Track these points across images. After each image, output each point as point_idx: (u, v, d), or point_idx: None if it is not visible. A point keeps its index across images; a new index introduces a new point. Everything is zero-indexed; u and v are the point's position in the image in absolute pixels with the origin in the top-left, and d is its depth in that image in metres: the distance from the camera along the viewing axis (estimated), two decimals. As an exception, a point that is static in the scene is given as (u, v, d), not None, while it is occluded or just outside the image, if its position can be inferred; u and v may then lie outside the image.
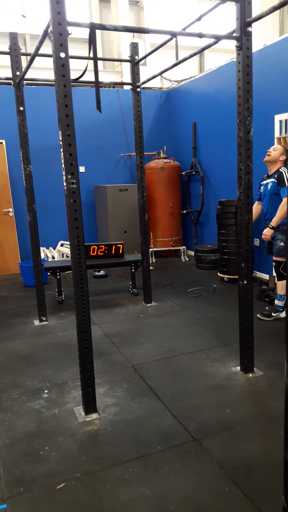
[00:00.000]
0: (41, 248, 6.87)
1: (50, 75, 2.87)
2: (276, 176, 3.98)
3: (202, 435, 2.40)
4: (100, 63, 7.98)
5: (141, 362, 3.36)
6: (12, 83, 3.92)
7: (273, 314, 4.10)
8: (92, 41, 2.35)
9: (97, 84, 2.37)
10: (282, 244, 3.93)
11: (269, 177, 4.08)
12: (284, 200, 3.86)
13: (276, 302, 4.12)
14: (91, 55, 2.38)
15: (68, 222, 2.44)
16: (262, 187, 4.16)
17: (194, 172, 6.83)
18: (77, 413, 2.69)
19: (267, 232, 4.00)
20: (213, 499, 1.94)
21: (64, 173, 2.36)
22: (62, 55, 2.25)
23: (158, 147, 7.25)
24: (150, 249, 6.94)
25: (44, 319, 4.42)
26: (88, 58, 2.41)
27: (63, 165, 2.36)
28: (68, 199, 2.39)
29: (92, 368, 2.63)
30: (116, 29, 2.43)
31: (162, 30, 2.70)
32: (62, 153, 2.35)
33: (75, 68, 2.69)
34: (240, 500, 1.92)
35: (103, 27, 2.36)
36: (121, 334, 3.97)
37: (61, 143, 2.34)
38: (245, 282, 2.95)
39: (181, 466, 2.17)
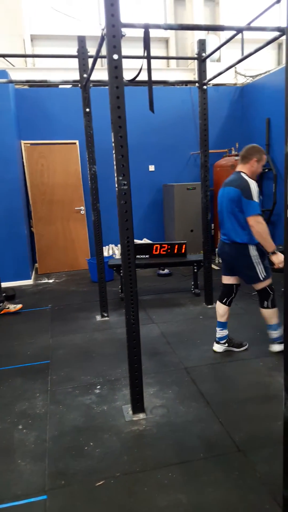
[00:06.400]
0: (110, 245, 7.06)
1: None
2: None
3: (248, 447, 2.30)
4: (173, 61, 7.94)
5: (195, 365, 3.30)
6: (79, 85, 4.06)
7: None
8: (146, 41, 2.34)
9: (150, 84, 2.36)
10: None
11: None
12: None
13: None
14: (145, 54, 2.38)
15: (119, 223, 2.46)
16: None
17: (267, 170, 6.54)
18: (125, 412, 2.72)
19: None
20: (252, 517, 1.85)
21: (115, 174, 2.39)
22: (115, 56, 2.27)
23: (230, 144, 7.06)
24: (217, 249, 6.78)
25: (105, 315, 4.52)
26: (142, 57, 2.41)
27: (114, 167, 2.39)
28: (119, 200, 2.41)
29: (140, 368, 2.64)
30: (170, 27, 2.39)
31: (220, 26, 2.60)
32: (114, 154, 2.38)
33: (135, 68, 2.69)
34: (281, 522, 1.81)
35: (157, 26, 2.33)
36: (178, 334, 3.93)
37: (113, 144, 2.37)
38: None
39: (222, 477, 2.09)
